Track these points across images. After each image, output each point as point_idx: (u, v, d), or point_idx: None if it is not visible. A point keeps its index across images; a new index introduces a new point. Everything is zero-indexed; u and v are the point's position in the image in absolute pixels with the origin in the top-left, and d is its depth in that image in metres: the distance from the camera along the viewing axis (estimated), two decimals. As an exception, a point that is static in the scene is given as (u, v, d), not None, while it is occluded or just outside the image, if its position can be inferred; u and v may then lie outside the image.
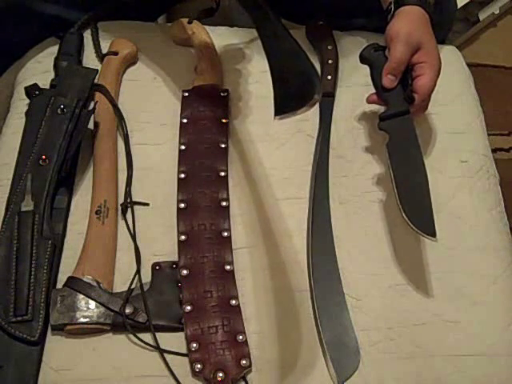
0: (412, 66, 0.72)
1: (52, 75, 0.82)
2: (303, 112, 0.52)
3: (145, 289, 0.66)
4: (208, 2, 0.86)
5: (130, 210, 0.72)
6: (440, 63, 0.72)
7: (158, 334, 0.63)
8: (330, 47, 0.86)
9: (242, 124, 0.80)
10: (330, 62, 0.85)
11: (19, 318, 0.62)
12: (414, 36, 0.70)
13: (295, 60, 0.57)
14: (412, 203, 0.66)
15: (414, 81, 0.71)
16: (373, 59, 0.75)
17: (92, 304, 0.64)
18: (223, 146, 0.77)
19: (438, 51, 0.72)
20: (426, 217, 0.65)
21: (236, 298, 0.66)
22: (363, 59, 0.77)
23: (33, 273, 0.65)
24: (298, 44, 0.58)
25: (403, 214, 0.65)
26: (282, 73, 0.56)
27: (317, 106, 0.83)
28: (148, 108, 0.81)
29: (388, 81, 0.72)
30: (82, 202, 0.73)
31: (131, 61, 0.86)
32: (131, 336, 0.63)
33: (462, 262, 0.70)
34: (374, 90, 0.75)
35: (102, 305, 0.64)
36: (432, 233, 0.64)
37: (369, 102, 0.76)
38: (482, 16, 1.53)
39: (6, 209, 0.69)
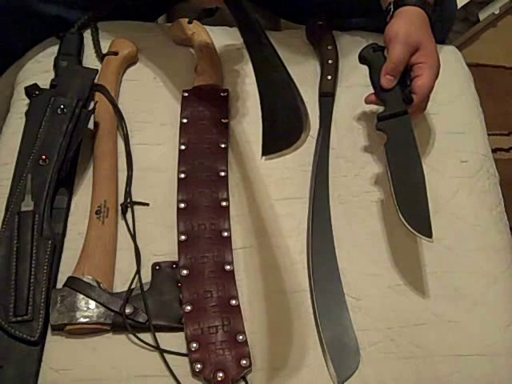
0: (411, 66, 0.72)
1: (52, 75, 0.82)
2: (289, 153, 0.52)
3: (145, 289, 0.66)
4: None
5: (130, 210, 0.72)
6: (439, 64, 0.72)
7: (158, 334, 0.63)
8: (329, 47, 0.86)
9: (242, 124, 0.80)
10: (330, 62, 0.85)
11: (19, 318, 0.62)
12: (413, 36, 0.70)
13: (285, 93, 0.56)
14: (409, 203, 0.66)
15: (413, 81, 0.71)
16: (372, 59, 0.75)
17: (92, 304, 0.64)
18: (223, 146, 0.77)
19: (437, 52, 0.72)
20: (422, 217, 0.65)
21: (236, 297, 0.66)
22: (362, 59, 0.77)
23: (33, 273, 0.64)
24: (288, 71, 0.58)
25: (399, 215, 0.65)
26: (272, 108, 0.55)
27: (317, 106, 0.83)
28: (148, 108, 0.81)
29: (386, 81, 0.72)
30: (81, 202, 0.73)
31: (131, 61, 0.86)
32: (131, 336, 0.63)
33: (462, 261, 0.70)
34: (373, 90, 0.75)
35: (102, 305, 0.64)
36: (428, 234, 0.64)
37: (367, 102, 0.76)
38: (482, 16, 1.54)
39: (6, 209, 0.69)
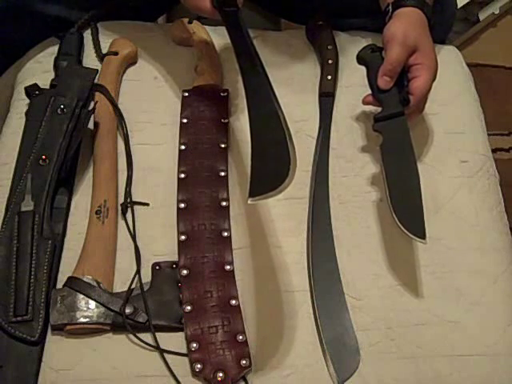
0: (408, 67, 0.72)
1: (52, 75, 0.82)
2: (274, 195, 0.53)
3: (145, 289, 0.66)
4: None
5: (130, 210, 0.72)
6: (437, 65, 0.72)
7: (158, 334, 0.63)
8: (330, 47, 0.86)
9: (242, 124, 0.80)
10: (330, 62, 0.85)
11: (19, 318, 0.62)
12: (411, 38, 0.70)
13: (274, 130, 0.57)
14: (403, 205, 0.66)
15: (410, 82, 0.71)
16: (369, 60, 0.75)
17: (92, 304, 0.64)
18: (223, 145, 0.77)
19: (434, 53, 0.72)
20: (416, 219, 0.65)
21: (236, 297, 0.66)
22: (360, 60, 0.77)
23: (33, 273, 0.64)
24: (279, 102, 0.58)
25: (394, 216, 0.65)
26: (261, 147, 0.56)
27: (317, 106, 0.83)
28: (148, 108, 0.81)
29: (384, 82, 0.72)
30: (81, 202, 0.73)
31: (131, 61, 0.86)
32: (131, 336, 0.63)
33: (462, 261, 0.70)
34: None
35: (102, 305, 0.64)
36: (422, 235, 0.64)
37: (364, 102, 0.76)
38: (482, 16, 1.54)
39: (6, 209, 0.69)
